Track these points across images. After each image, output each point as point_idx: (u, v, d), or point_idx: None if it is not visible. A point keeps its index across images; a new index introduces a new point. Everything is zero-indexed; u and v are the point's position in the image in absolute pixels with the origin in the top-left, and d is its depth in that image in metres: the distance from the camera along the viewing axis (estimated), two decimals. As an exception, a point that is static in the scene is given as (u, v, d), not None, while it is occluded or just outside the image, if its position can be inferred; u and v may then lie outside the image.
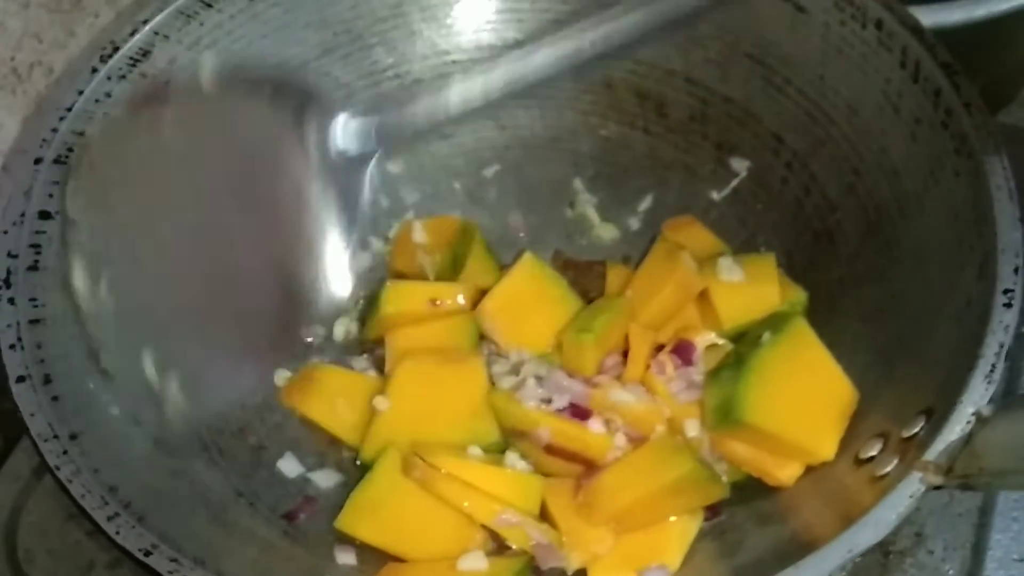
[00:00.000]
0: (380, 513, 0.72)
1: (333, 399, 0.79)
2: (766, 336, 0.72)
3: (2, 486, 0.80)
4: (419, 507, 0.71)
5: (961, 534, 0.73)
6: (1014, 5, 0.82)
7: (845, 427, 0.70)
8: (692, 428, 0.74)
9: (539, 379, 0.77)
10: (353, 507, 0.72)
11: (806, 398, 0.71)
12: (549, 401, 0.76)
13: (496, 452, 0.76)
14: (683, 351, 0.78)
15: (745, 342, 0.75)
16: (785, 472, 0.71)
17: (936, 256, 0.71)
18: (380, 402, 0.76)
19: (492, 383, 0.78)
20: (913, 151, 0.74)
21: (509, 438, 0.76)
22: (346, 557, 0.71)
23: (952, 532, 0.73)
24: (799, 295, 0.80)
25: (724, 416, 0.71)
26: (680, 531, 0.69)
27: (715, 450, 0.74)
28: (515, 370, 0.79)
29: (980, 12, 0.82)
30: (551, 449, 0.74)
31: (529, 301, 0.83)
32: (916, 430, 0.62)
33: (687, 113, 0.90)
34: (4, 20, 0.85)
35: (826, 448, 0.69)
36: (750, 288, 0.79)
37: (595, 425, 0.74)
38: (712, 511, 0.72)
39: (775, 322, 0.74)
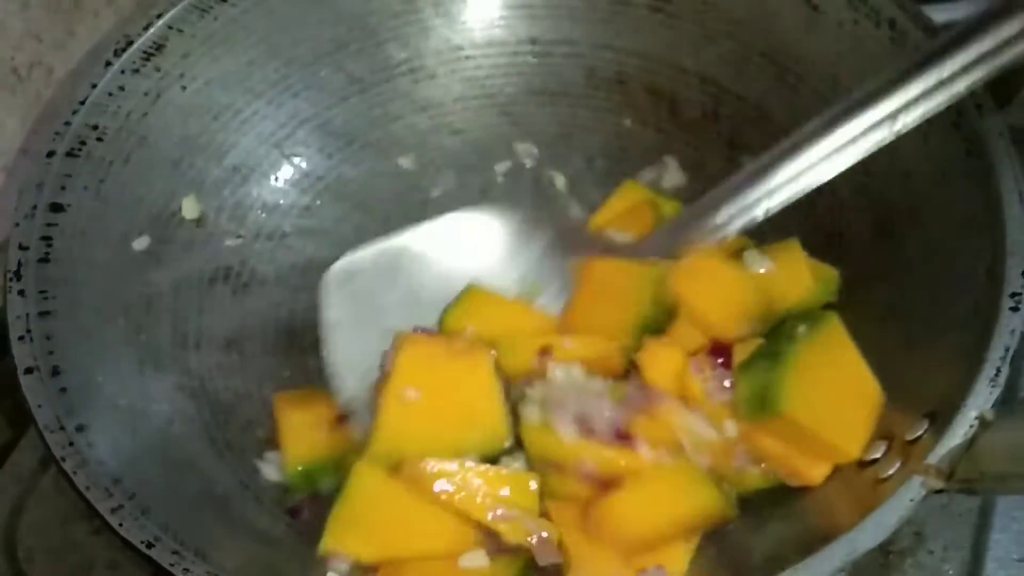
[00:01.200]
0: (366, 526, 0.69)
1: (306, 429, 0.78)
2: (802, 329, 0.71)
3: (2, 486, 0.80)
4: (407, 512, 0.69)
5: (961, 534, 0.73)
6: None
7: (873, 428, 0.68)
8: (731, 428, 0.72)
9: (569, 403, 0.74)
10: (337, 526, 0.69)
11: (839, 395, 0.69)
12: (587, 427, 0.72)
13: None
14: (720, 352, 0.75)
15: (777, 335, 0.73)
16: (815, 471, 0.69)
17: (945, 258, 0.70)
18: (410, 393, 0.73)
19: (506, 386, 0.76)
20: (924, 152, 0.74)
21: (540, 468, 0.73)
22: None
23: (952, 532, 0.73)
24: (830, 272, 0.79)
25: (760, 405, 0.69)
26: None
27: (746, 445, 0.72)
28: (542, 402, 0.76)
29: (980, 12, 0.82)
30: (592, 477, 0.71)
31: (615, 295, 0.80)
32: (920, 433, 0.62)
33: (700, 111, 0.89)
34: (4, 20, 0.85)
35: (855, 447, 0.68)
36: (782, 275, 0.78)
37: (644, 450, 0.71)
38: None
39: (809, 318, 0.73)
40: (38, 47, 0.89)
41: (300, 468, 0.75)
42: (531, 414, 0.74)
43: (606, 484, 0.71)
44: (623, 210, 0.88)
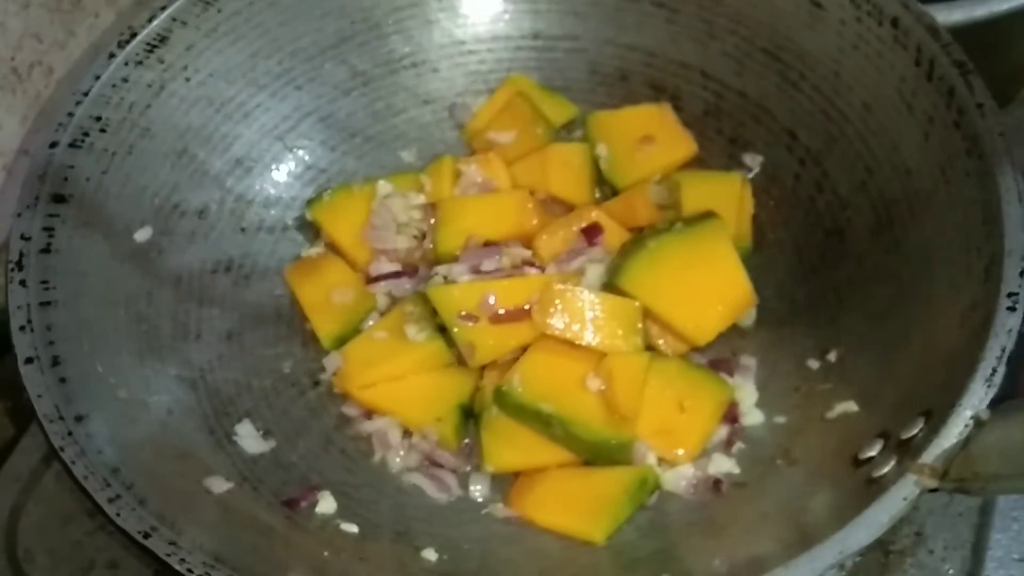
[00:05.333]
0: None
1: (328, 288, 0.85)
2: (678, 226, 0.79)
3: (2, 486, 0.80)
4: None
5: (961, 534, 0.73)
6: (1014, 5, 0.81)
7: (729, 324, 0.78)
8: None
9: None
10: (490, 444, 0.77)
11: (695, 285, 0.77)
12: (478, 271, 0.81)
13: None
14: (591, 232, 0.83)
15: (658, 228, 0.81)
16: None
17: (943, 257, 0.70)
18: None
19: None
20: (925, 150, 0.74)
21: (454, 328, 0.77)
22: None
23: (952, 532, 0.73)
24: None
25: (607, 281, 0.78)
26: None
27: None
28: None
29: (980, 12, 0.81)
30: (497, 318, 0.77)
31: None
32: (915, 432, 0.61)
33: (702, 107, 0.89)
34: (4, 20, 0.86)
35: (700, 335, 0.77)
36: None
37: (531, 270, 0.81)
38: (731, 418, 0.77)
39: (695, 217, 0.80)
40: (38, 47, 0.89)
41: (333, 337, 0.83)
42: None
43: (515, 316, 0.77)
44: (501, 107, 0.92)
